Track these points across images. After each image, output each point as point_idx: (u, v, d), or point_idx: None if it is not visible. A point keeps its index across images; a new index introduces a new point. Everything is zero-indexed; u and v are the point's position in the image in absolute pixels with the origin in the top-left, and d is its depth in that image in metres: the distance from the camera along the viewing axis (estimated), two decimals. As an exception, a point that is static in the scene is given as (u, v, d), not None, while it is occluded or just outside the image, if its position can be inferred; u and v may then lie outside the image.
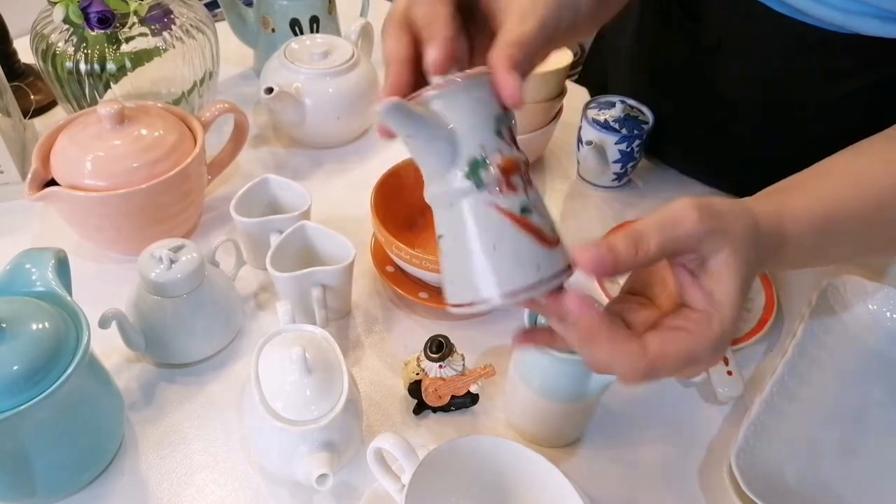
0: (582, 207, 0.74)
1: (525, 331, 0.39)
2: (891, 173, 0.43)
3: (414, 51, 0.37)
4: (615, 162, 0.71)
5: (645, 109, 0.72)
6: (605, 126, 0.70)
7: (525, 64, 0.34)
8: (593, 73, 0.89)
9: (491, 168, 0.31)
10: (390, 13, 0.39)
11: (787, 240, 0.39)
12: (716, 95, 0.68)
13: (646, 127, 0.70)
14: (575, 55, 0.83)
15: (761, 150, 0.68)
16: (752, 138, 0.68)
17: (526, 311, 0.47)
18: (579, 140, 0.72)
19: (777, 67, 0.62)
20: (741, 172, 0.64)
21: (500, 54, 0.33)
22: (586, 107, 0.73)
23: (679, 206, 0.35)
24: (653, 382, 0.36)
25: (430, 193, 0.34)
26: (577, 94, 0.87)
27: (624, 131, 0.69)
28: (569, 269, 0.33)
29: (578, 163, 0.75)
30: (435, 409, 0.53)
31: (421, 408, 0.54)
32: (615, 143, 0.70)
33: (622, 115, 0.71)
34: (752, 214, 0.37)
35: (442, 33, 0.35)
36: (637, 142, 0.70)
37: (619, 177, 0.73)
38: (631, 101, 0.73)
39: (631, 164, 0.72)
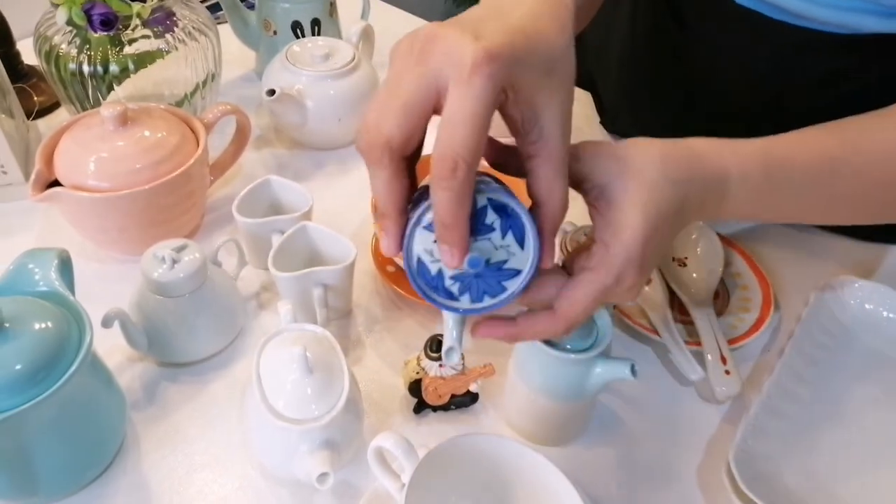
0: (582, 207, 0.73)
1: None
2: (847, 132, 0.45)
3: (407, 191, 0.36)
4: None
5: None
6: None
7: None
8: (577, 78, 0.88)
9: None
10: (368, 132, 0.33)
11: (729, 179, 0.41)
12: (713, 103, 0.68)
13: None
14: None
15: None
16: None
17: None
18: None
19: (774, 74, 0.62)
20: None
21: (551, 229, 0.36)
22: None
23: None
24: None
25: None
26: (576, 94, 0.87)
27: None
28: None
29: None
30: (435, 408, 0.54)
31: (421, 407, 0.54)
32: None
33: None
34: (662, 145, 0.39)
35: (395, 221, 0.35)
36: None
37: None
38: None
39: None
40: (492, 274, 0.36)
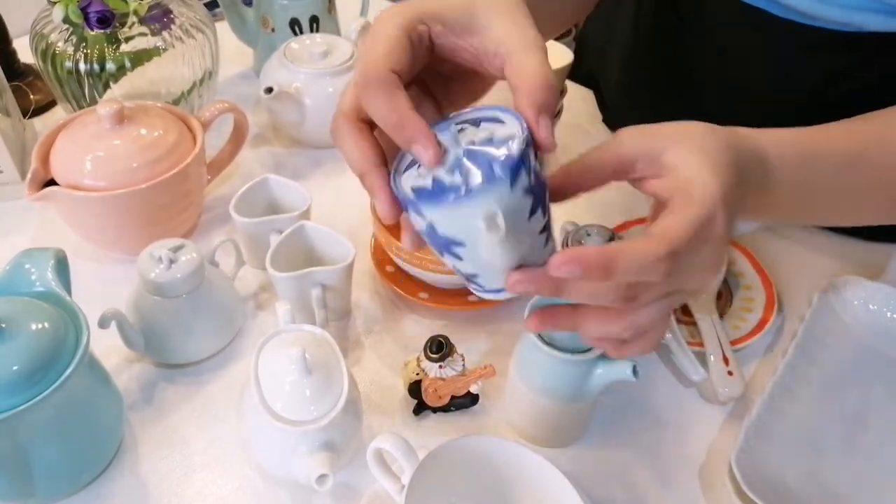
0: (587, 204, 0.73)
1: (539, 311, 0.38)
2: (873, 125, 0.45)
3: (377, 148, 0.35)
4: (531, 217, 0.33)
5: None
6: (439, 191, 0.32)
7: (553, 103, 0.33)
8: (579, 76, 0.88)
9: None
10: (339, 108, 0.36)
11: (768, 159, 0.40)
12: (715, 102, 0.67)
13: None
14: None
15: None
16: None
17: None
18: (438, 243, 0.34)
19: (777, 72, 0.62)
20: None
21: (532, 104, 0.33)
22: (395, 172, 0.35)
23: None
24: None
25: None
26: (577, 94, 0.86)
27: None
28: None
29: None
30: (435, 410, 0.53)
31: (421, 408, 0.53)
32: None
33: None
34: (702, 124, 0.39)
35: (381, 184, 0.34)
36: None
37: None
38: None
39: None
40: (484, 147, 0.32)
